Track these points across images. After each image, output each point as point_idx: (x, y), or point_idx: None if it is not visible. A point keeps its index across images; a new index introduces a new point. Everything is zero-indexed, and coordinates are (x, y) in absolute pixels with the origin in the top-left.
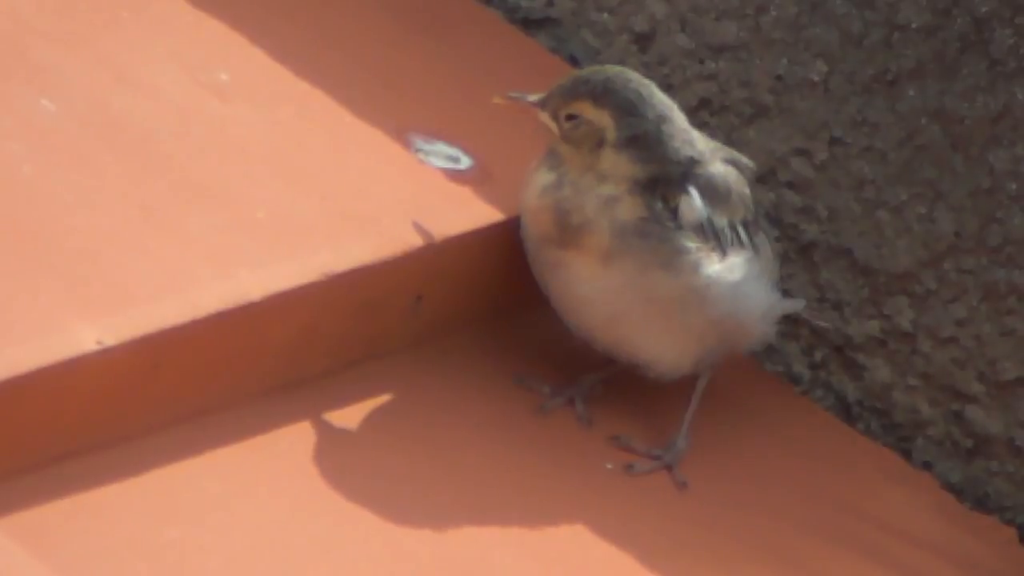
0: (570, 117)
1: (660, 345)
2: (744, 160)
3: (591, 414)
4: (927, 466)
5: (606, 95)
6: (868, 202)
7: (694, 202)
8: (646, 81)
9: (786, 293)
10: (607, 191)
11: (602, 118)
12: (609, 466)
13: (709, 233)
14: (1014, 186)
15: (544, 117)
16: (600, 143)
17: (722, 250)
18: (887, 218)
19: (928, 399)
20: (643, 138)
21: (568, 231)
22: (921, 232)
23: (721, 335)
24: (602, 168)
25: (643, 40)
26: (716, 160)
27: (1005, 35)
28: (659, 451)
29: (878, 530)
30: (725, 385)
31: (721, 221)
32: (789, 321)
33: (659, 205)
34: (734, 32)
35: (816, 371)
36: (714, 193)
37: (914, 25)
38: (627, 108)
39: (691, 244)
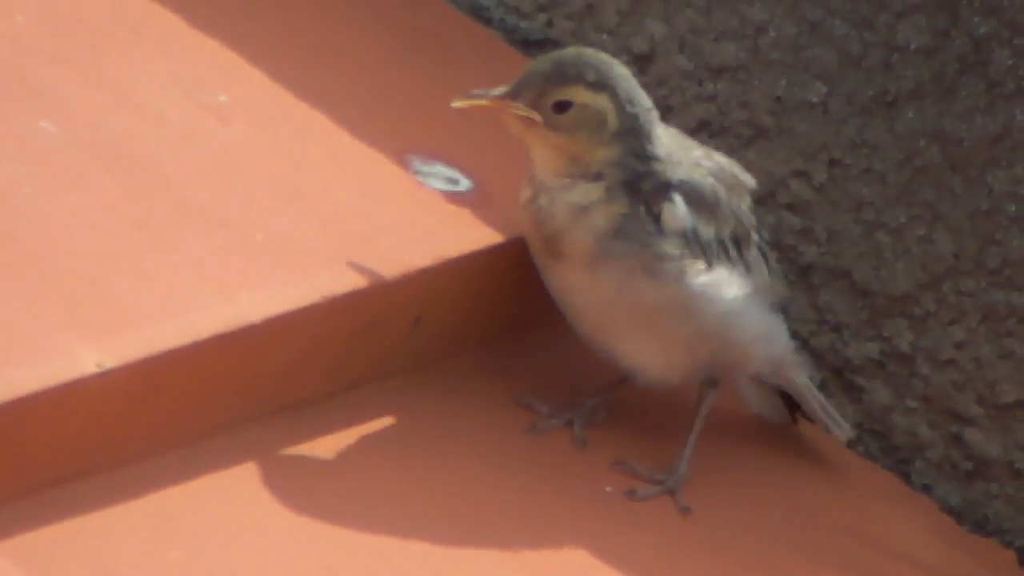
0: (561, 104)
1: (647, 353)
2: (742, 176)
3: (589, 437)
4: (926, 489)
5: (603, 79)
6: (867, 224)
7: (677, 210)
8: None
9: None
10: (577, 199)
11: (601, 101)
12: (609, 489)
13: (694, 243)
14: (1013, 207)
15: (519, 108)
16: (600, 128)
17: (708, 262)
18: (886, 240)
19: (927, 421)
20: (637, 129)
21: (549, 241)
22: (920, 254)
23: (712, 351)
24: (593, 158)
25: (642, 61)
26: (697, 167)
27: (1004, 56)
28: (661, 476)
29: (877, 553)
30: (725, 408)
31: (708, 232)
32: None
33: (642, 209)
34: (733, 53)
35: None
36: (701, 202)
37: (913, 46)
38: (627, 94)
39: (674, 251)
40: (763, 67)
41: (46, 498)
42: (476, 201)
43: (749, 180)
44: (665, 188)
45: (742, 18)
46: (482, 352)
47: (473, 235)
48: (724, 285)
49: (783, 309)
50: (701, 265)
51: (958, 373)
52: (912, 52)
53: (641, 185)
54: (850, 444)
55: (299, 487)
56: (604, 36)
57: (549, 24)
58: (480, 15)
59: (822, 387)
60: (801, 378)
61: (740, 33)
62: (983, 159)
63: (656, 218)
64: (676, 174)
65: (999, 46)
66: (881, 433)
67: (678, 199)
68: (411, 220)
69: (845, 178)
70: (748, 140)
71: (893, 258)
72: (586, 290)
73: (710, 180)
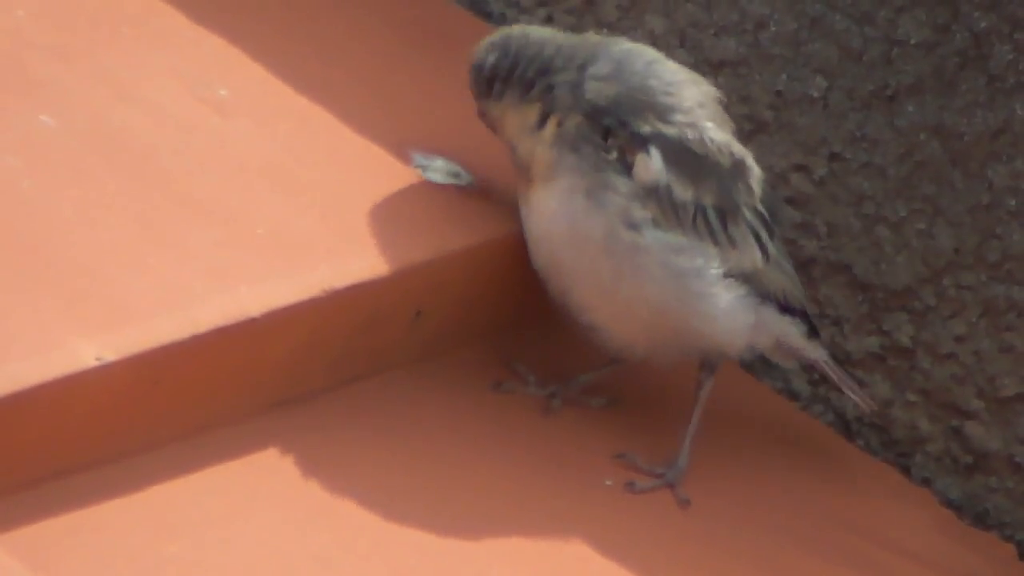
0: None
1: (599, 313)
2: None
3: (589, 429)
4: (926, 482)
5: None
6: (867, 218)
7: (651, 163)
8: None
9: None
10: (521, 118)
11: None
12: (608, 483)
13: (665, 201)
14: (1013, 202)
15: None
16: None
17: (679, 224)
18: (886, 234)
19: (927, 415)
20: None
21: (520, 164)
22: (920, 248)
23: (676, 329)
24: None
25: None
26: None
27: (1004, 51)
28: (661, 469)
29: (877, 546)
30: (725, 401)
31: (684, 195)
32: None
33: (613, 155)
34: (733, 48)
35: (816, 387)
36: (686, 161)
37: (913, 41)
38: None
39: (624, 188)
40: (763, 62)
41: (45, 491)
42: (476, 195)
43: (756, 168)
44: (643, 139)
45: (742, 13)
46: (483, 345)
47: (474, 229)
48: (685, 252)
49: (787, 305)
50: (653, 216)
51: (958, 367)
52: (912, 47)
53: (609, 125)
54: (850, 437)
55: (299, 480)
56: (604, 31)
57: (549, 19)
58: (480, 9)
59: (822, 381)
60: (815, 354)
61: (740, 28)
62: (983, 153)
63: (629, 167)
64: (658, 127)
65: (999, 41)
66: (881, 427)
67: (654, 152)
68: (412, 214)
69: (845, 172)
70: (748, 134)
71: (893, 252)
72: (538, 208)
73: (699, 142)
